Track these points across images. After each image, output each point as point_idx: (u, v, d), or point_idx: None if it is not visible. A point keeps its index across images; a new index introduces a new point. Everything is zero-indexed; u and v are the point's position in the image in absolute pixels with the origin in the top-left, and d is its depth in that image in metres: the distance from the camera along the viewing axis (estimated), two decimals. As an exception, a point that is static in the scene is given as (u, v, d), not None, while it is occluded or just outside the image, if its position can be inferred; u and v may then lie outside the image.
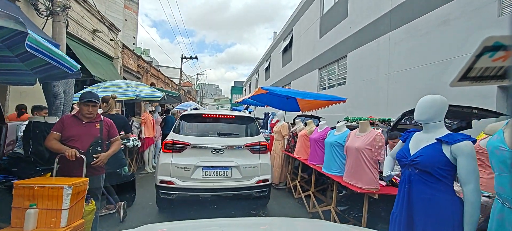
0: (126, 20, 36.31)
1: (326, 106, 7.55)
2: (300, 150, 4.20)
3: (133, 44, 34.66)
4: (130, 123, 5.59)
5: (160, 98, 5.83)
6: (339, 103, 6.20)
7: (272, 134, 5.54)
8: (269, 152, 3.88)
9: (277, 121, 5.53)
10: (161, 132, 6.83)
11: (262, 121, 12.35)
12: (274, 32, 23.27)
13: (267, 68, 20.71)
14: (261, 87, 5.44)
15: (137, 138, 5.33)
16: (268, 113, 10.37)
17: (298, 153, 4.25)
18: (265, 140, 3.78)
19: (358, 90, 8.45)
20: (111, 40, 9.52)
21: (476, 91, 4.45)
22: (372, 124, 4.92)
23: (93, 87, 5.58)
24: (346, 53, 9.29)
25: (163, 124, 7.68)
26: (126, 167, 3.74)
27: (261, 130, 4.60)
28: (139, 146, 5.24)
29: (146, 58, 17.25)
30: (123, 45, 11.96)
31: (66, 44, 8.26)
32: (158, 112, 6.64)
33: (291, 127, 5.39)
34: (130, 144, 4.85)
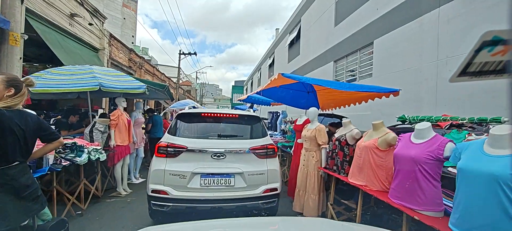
0: (124, 18, 34.46)
1: (352, 104, 5.88)
2: (362, 172, 2.34)
3: (132, 42, 32.83)
4: (91, 126, 3.71)
5: (139, 90, 3.95)
6: (387, 97, 4.40)
7: (299, 140, 3.67)
8: (277, 157, 3.21)
9: (307, 122, 3.66)
10: (145, 136, 4.96)
11: (268, 121, 10.57)
12: (276, 29, 21.44)
13: (271, 65, 18.78)
14: (282, 75, 3.60)
15: (101, 147, 3.45)
16: (278, 112, 8.55)
17: (358, 176, 2.40)
18: (273, 143, 3.21)
19: (389, 83, 6.61)
20: (89, 24, 7.60)
21: None
22: (459, 125, 3.11)
23: (38, 74, 3.68)
24: (372, 40, 7.47)
25: (151, 126, 5.83)
26: (45, 211, 1.89)
27: (268, 132, 3.64)
28: (101, 159, 3.35)
29: (144, 58, 15.25)
30: (111, 35, 10.05)
31: (30, 25, 6.42)
32: (140, 111, 4.75)
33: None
34: (83, 158, 2.97)
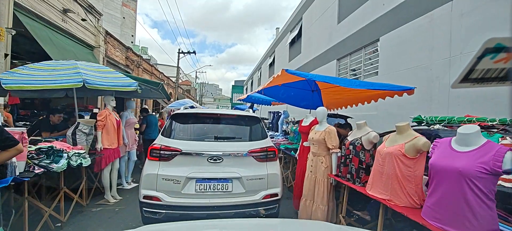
0: (124, 18, 34.03)
1: (359, 104, 5.52)
2: (385, 183, 1.96)
3: (132, 42, 32.43)
4: (73, 127, 3.32)
5: (129, 88, 3.57)
6: (400, 95, 4.03)
7: (306, 143, 3.28)
8: (277, 160, 3.00)
9: (314, 123, 3.27)
10: (137, 138, 4.57)
11: (268, 121, 10.20)
12: (277, 28, 21.09)
13: (271, 64, 18.37)
14: (286, 71, 3.22)
15: (85, 151, 3.07)
16: (279, 112, 8.17)
17: (380, 188, 2.01)
18: (273, 145, 3.02)
19: (396, 82, 6.21)
20: (83, 20, 7.20)
21: None
22: (488, 127, 2.74)
23: (14, 70, 3.28)
24: (378, 37, 7.10)
25: (146, 126, 5.45)
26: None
27: (269, 133, 3.13)
28: (84, 164, 2.96)
29: (143, 57, 14.82)
30: (107, 32, 9.65)
31: (19, 20, 6.03)
32: (132, 110, 4.36)
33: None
34: (61, 164, 2.59)
